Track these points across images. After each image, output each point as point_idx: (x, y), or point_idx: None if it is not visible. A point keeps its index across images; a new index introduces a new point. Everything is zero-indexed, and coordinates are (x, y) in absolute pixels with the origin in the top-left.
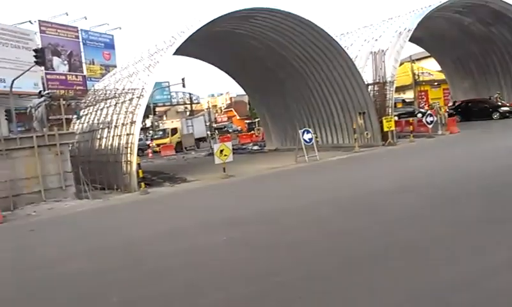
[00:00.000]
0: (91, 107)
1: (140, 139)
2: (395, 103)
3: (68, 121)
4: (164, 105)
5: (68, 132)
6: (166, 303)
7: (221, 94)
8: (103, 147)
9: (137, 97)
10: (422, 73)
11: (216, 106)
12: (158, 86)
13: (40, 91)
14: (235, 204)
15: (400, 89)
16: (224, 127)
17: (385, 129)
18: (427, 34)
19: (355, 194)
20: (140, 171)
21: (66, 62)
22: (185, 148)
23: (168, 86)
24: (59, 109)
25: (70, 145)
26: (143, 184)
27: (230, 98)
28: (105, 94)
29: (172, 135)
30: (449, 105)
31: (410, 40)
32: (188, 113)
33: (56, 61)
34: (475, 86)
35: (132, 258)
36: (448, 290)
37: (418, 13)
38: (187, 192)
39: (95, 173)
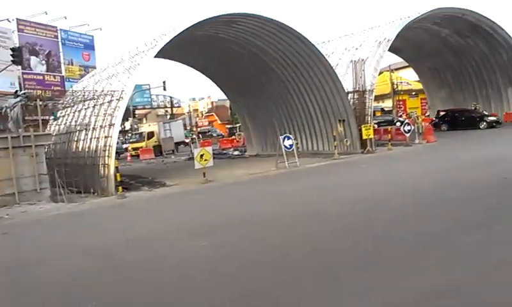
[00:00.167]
0: (69, 109)
1: (117, 143)
2: (374, 111)
3: (45, 122)
4: (144, 108)
5: (44, 133)
6: None
7: (203, 98)
8: (80, 149)
9: (116, 99)
10: (401, 82)
11: (197, 110)
12: (138, 89)
13: (16, 91)
14: (214, 209)
15: (380, 97)
16: (208, 131)
17: (364, 137)
18: (405, 45)
19: (332, 200)
20: (118, 174)
21: (44, 62)
22: (165, 151)
23: (149, 89)
24: (35, 109)
25: (46, 147)
26: (120, 188)
27: (212, 103)
28: (84, 95)
29: (148, 138)
30: (426, 114)
31: (389, 50)
32: (169, 117)
33: (33, 60)
34: (452, 96)
35: (106, 264)
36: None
37: (397, 24)
38: (165, 196)
39: (71, 176)
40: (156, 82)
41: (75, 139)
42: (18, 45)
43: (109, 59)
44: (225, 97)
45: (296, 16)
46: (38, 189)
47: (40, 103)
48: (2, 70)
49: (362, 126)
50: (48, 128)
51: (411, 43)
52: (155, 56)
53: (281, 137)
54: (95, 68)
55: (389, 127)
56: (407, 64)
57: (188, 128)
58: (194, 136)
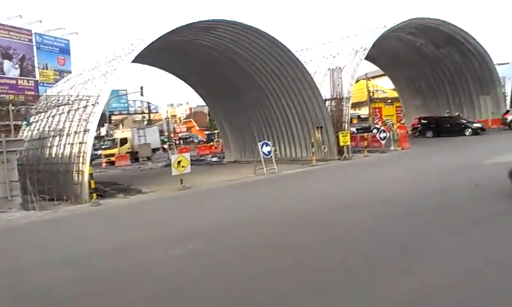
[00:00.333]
0: (43, 114)
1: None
2: (350, 118)
3: (17, 127)
4: (120, 114)
5: (16, 139)
6: None
7: (181, 104)
8: (53, 156)
9: (92, 104)
10: (377, 90)
11: (175, 116)
12: (115, 94)
13: None
14: (191, 216)
15: (356, 105)
16: (190, 137)
17: (341, 144)
18: (381, 53)
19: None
20: (92, 181)
21: (17, 66)
22: (141, 158)
23: (126, 94)
24: (7, 114)
25: (18, 153)
26: (94, 195)
27: (190, 109)
28: (58, 100)
29: (121, 145)
30: (402, 122)
31: (366, 58)
32: (146, 123)
33: (6, 64)
34: (425, 104)
35: (87, 273)
36: None
37: (374, 33)
38: (141, 203)
39: (44, 183)
40: (133, 88)
41: (49, 145)
42: None
43: (85, 64)
44: (204, 103)
45: (275, 24)
46: (9, 197)
47: (13, 108)
48: None
49: (339, 133)
50: (20, 134)
51: (386, 52)
52: (133, 61)
53: (259, 144)
54: (70, 72)
55: (365, 134)
56: (383, 72)
57: (166, 134)
58: (172, 142)
